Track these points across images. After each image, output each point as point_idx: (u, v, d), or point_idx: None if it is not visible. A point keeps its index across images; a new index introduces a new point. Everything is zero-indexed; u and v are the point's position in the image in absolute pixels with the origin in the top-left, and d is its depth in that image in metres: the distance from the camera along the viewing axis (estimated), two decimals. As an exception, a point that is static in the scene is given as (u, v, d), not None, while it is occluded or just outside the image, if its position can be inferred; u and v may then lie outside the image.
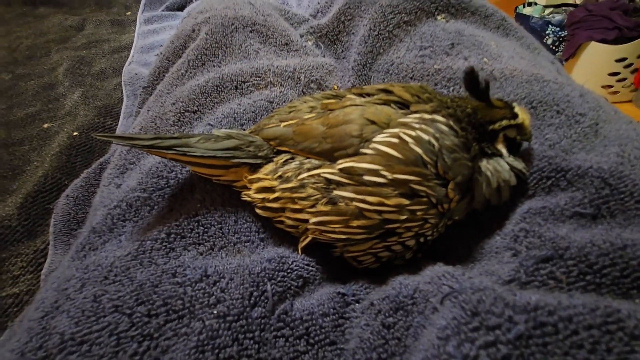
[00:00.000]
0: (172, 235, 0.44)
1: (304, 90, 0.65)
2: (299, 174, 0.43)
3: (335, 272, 0.46)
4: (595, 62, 1.82)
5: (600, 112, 0.49)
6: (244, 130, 0.53)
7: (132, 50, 1.12)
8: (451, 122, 0.43)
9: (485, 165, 0.44)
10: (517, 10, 2.17)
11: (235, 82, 0.63)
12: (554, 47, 2.00)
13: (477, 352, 0.28)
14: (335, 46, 0.78)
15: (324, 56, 0.77)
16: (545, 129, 0.49)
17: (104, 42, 1.25)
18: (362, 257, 0.45)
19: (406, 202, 0.40)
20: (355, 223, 0.41)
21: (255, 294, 0.38)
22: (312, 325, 0.38)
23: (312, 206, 0.42)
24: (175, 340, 0.35)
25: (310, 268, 0.43)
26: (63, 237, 0.58)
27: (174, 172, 0.50)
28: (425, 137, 0.41)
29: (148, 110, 0.65)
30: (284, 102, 0.60)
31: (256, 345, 0.35)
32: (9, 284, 0.59)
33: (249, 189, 0.46)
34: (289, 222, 0.44)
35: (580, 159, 0.44)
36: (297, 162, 0.44)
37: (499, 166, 0.44)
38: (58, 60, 1.16)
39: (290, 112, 0.50)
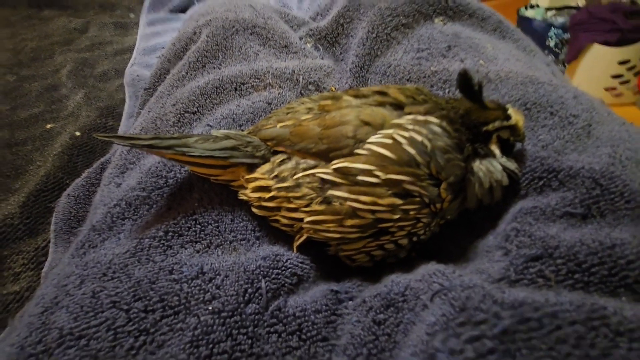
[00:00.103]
0: (170, 233, 0.45)
1: (302, 91, 0.65)
2: (295, 173, 0.44)
3: (330, 270, 0.47)
4: (598, 64, 1.81)
5: (594, 114, 0.49)
6: (243, 131, 0.53)
7: (134, 52, 1.13)
8: (444, 124, 0.44)
9: (478, 165, 0.45)
10: (520, 13, 2.17)
11: (234, 84, 0.63)
12: (556, 50, 1.99)
13: (463, 346, 0.28)
14: (334, 48, 0.79)
15: (322, 58, 0.77)
16: (539, 130, 0.49)
17: (107, 44, 1.26)
18: (355, 255, 0.45)
19: (399, 201, 0.41)
20: (349, 222, 0.42)
21: (249, 290, 0.39)
22: (305, 322, 0.38)
23: (307, 205, 0.43)
24: (171, 335, 0.36)
25: (305, 266, 0.44)
26: (64, 235, 0.59)
27: (173, 172, 0.51)
28: (419, 138, 0.42)
29: (149, 111, 0.65)
30: (282, 103, 0.60)
31: (249, 341, 0.36)
32: (10, 281, 0.60)
33: (246, 188, 0.47)
34: (284, 220, 0.45)
35: (573, 159, 0.44)
36: (293, 162, 0.45)
37: (492, 167, 0.45)
38: (62, 62, 1.17)
39: (287, 113, 0.50)
